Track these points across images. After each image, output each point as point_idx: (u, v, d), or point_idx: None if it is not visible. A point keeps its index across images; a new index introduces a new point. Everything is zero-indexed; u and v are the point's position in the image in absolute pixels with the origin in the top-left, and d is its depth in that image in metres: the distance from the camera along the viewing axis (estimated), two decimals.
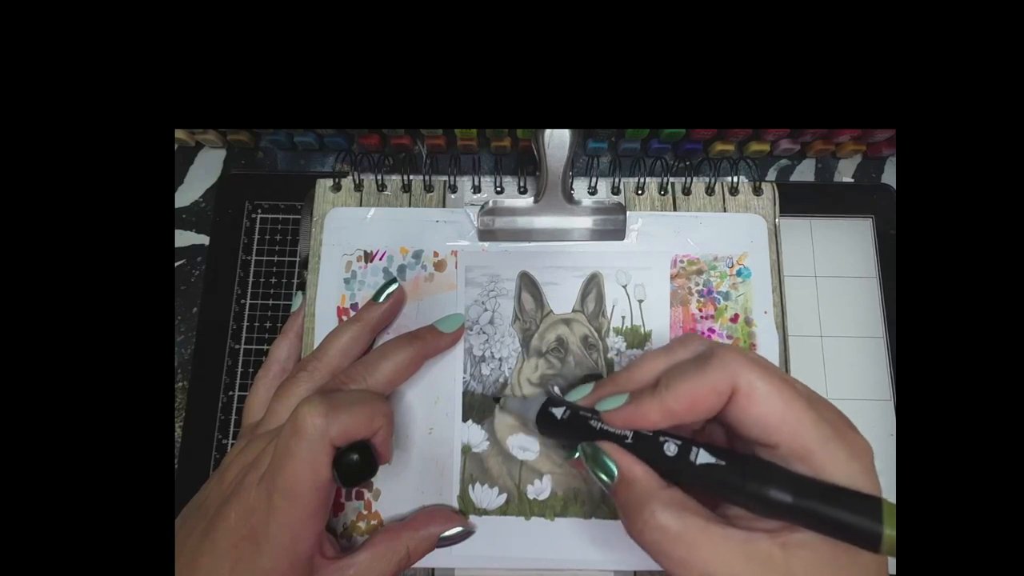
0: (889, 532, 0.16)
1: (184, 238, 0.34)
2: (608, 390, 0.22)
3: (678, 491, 0.19)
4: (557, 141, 0.27)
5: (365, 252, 0.29)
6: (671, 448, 0.19)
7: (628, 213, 0.29)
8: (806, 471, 0.18)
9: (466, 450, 0.27)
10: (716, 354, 0.19)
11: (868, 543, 0.16)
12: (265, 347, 0.32)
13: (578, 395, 0.23)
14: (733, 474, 0.18)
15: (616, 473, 0.20)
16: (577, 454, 0.22)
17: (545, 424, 0.23)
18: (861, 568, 0.18)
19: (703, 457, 0.19)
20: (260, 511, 0.20)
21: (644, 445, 0.20)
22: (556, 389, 0.27)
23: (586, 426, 0.21)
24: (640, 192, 0.30)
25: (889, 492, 0.26)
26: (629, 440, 0.20)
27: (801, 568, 0.17)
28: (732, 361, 0.19)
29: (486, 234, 0.29)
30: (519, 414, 0.26)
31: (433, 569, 0.26)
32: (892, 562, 0.18)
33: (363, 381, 0.24)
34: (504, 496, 0.27)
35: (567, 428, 0.22)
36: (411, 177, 0.30)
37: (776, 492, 0.17)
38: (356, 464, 0.22)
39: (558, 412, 0.22)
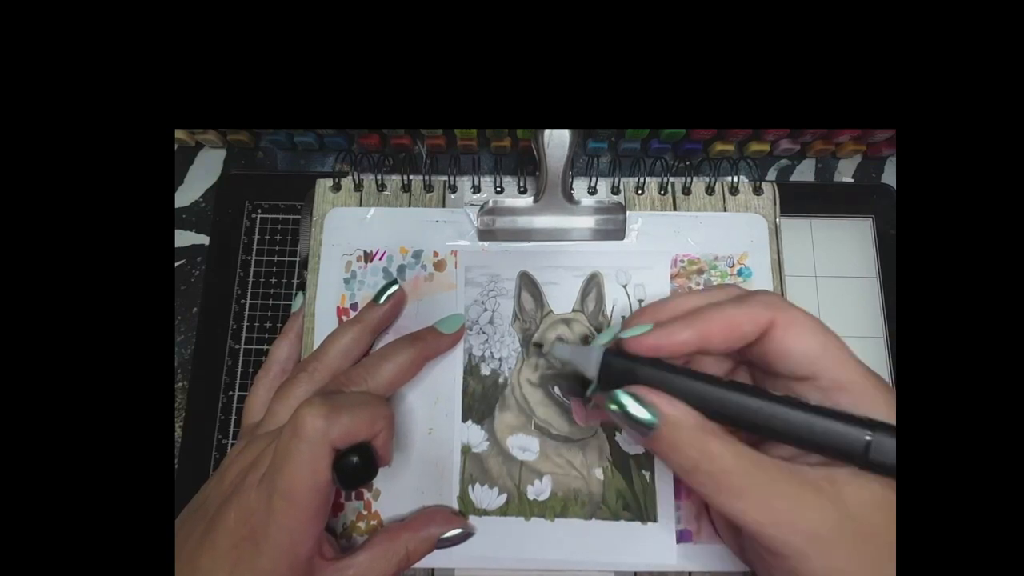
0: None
1: (184, 238, 0.34)
2: (639, 320, 0.21)
3: (720, 427, 0.19)
4: (557, 141, 0.27)
5: (365, 252, 0.29)
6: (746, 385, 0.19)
7: (628, 213, 0.29)
8: (847, 403, 0.18)
9: (466, 450, 0.27)
10: (756, 293, 0.20)
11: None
12: (265, 347, 0.32)
13: (608, 335, 0.22)
14: (852, 433, 0.18)
15: (655, 418, 0.19)
16: (590, 403, 0.21)
17: (610, 373, 0.21)
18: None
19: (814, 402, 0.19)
20: (260, 512, 0.20)
21: (741, 387, 0.19)
22: (556, 390, 0.27)
23: (664, 364, 0.20)
24: (640, 192, 0.30)
25: None
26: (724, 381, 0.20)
27: (852, 499, 0.17)
28: (773, 299, 0.20)
29: (486, 234, 0.29)
30: (571, 361, 0.22)
31: (433, 569, 0.26)
32: None
33: (364, 383, 0.24)
34: (504, 496, 0.27)
35: (638, 373, 0.20)
36: (411, 177, 0.30)
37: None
38: (356, 466, 0.22)
39: (621, 362, 0.21)
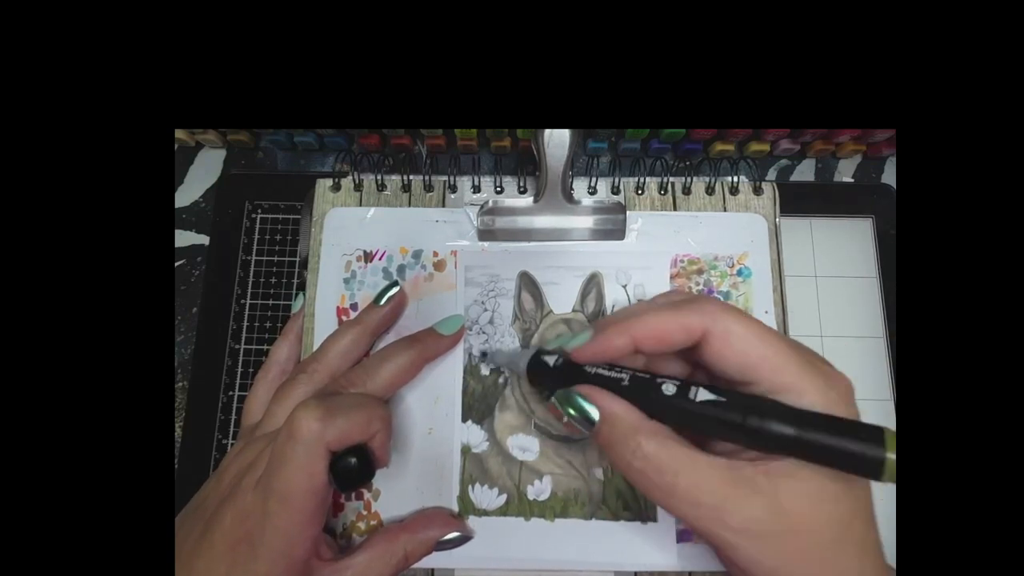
0: (892, 457, 0.16)
1: (184, 238, 0.34)
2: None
3: (660, 424, 0.19)
4: (557, 141, 0.27)
5: (365, 252, 0.29)
6: (669, 388, 0.19)
7: (628, 213, 0.29)
8: (790, 403, 0.18)
9: (466, 450, 0.27)
10: (693, 299, 0.20)
11: (871, 471, 0.16)
12: (265, 347, 0.32)
13: (557, 342, 0.23)
14: (733, 410, 0.18)
15: (595, 415, 0.20)
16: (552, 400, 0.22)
17: (536, 373, 0.23)
18: (849, 501, 0.18)
19: (703, 395, 0.19)
20: (256, 515, 0.20)
21: (640, 386, 0.20)
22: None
23: (579, 371, 0.21)
24: (640, 192, 0.30)
25: (888, 490, 0.26)
26: (625, 383, 0.20)
27: (786, 495, 0.17)
28: (708, 306, 0.19)
29: (486, 234, 0.29)
30: (507, 365, 0.26)
31: (433, 569, 0.26)
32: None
33: (363, 385, 0.24)
34: (504, 497, 0.27)
35: (559, 375, 0.22)
36: (411, 177, 0.30)
37: (778, 425, 0.17)
38: (353, 468, 0.21)
39: (550, 360, 0.23)
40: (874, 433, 0.16)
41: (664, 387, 0.19)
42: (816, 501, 0.17)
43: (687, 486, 0.18)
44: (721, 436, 0.19)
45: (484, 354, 0.27)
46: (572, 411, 0.21)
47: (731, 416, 0.18)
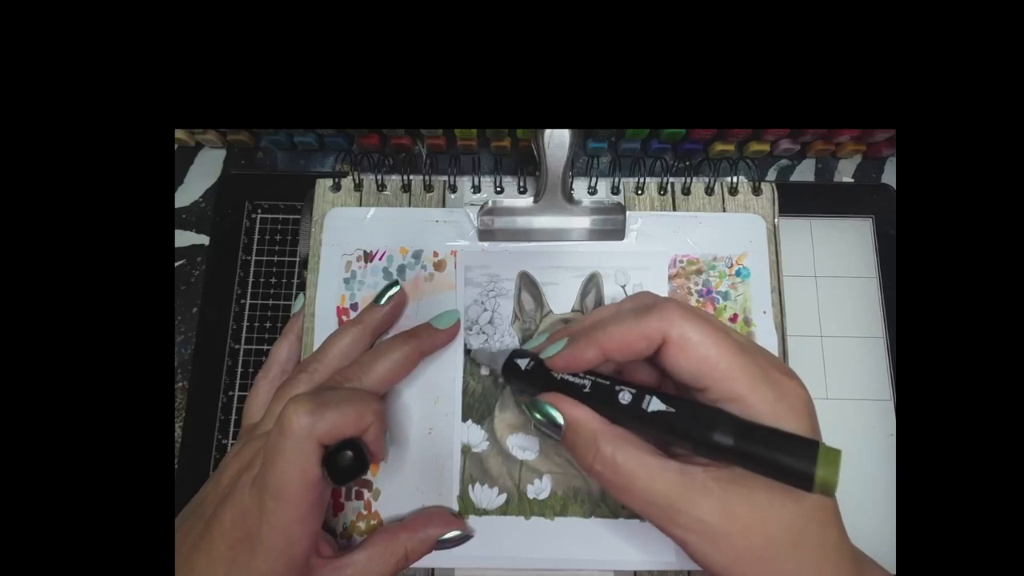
0: (821, 473, 0.16)
1: (184, 238, 0.34)
2: (557, 338, 0.23)
3: (620, 428, 0.20)
4: (557, 141, 0.27)
5: (365, 252, 0.29)
6: (625, 397, 0.20)
7: (628, 213, 0.29)
8: (738, 412, 0.19)
9: (466, 450, 0.27)
10: (655, 305, 0.20)
11: (802, 483, 0.17)
12: (265, 347, 0.32)
13: (532, 344, 0.24)
14: (680, 420, 0.19)
15: (561, 420, 0.21)
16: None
17: (510, 374, 0.24)
18: (798, 507, 0.18)
19: (654, 405, 0.20)
20: (253, 513, 0.20)
21: (600, 394, 0.21)
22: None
23: (547, 376, 0.22)
24: (640, 192, 0.30)
25: (887, 490, 0.26)
26: (587, 389, 0.21)
27: (735, 500, 0.18)
28: (668, 312, 0.20)
29: (486, 234, 0.29)
30: (488, 364, 0.27)
31: (433, 569, 0.26)
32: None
33: (359, 380, 0.24)
34: (504, 496, 0.27)
35: (530, 378, 0.23)
36: (411, 177, 0.30)
37: (719, 436, 0.18)
38: (346, 462, 0.21)
39: (522, 363, 0.24)
40: (807, 447, 0.17)
41: (621, 395, 0.20)
42: (763, 507, 0.18)
43: (641, 489, 0.19)
44: (672, 443, 0.20)
45: (468, 351, 0.28)
46: (540, 417, 0.22)
47: (678, 425, 0.19)
